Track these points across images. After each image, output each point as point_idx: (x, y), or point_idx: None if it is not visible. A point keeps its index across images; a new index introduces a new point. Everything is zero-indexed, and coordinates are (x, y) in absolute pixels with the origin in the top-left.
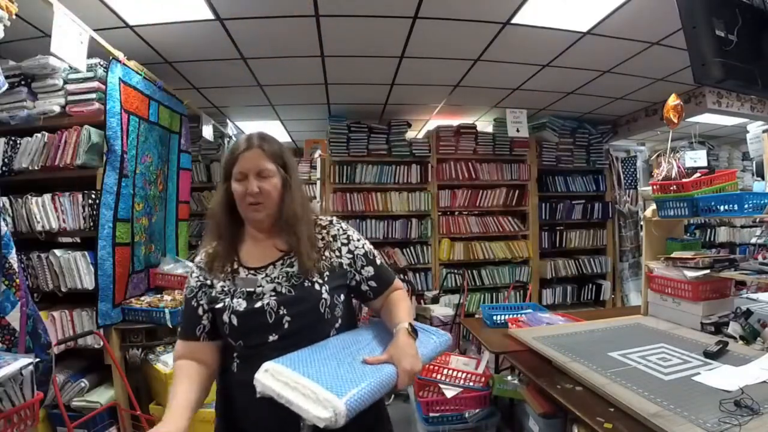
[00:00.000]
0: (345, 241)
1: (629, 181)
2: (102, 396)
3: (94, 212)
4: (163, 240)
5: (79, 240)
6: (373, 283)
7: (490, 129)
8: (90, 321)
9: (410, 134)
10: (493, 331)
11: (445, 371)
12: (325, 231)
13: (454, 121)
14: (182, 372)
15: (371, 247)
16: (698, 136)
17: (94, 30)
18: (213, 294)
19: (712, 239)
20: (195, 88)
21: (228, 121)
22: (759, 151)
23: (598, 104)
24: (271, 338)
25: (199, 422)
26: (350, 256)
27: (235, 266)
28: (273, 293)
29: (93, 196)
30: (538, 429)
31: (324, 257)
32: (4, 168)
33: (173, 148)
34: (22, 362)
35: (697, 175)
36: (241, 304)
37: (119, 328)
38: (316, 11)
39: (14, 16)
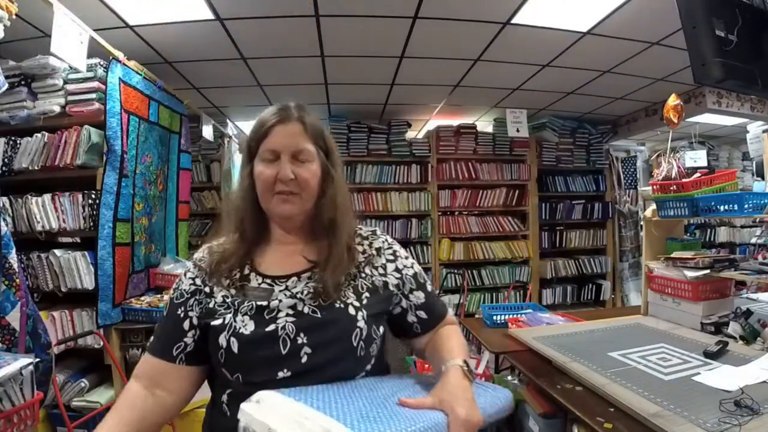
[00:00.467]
0: (391, 257)
1: (629, 181)
2: (102, 396)
3: (94, 212)
4: (163, 240)
5: (79, 240)
6: (423, 314)
7: (490, 129)
8: (90, 321)
9: (410, 134)
10: (493, 331)
11: None
12: (366, 243)
13: (454, 121)
14: (125, 403)
15: (420, 268)
16: (698, 136)
17: (94, 30)
18: (211, 305)
19: (712, 239)
20: (195, 88)
21: (228, 121)
22: (759, 151)
23: (598, 104)
24: (281, 374)
25: (198, 422)
26: (398, 275)
27: (246, 271)
28: (291, 313)
29: (93, 196)
30: (538, 429)
31: (364, 275)
32: (4, 168)
33: (173, 148)
34: (22, 362)
35: (697, 175)
36: (247, 325)
37: (119, 328)
38: (316, 11)
39: (14, 16)
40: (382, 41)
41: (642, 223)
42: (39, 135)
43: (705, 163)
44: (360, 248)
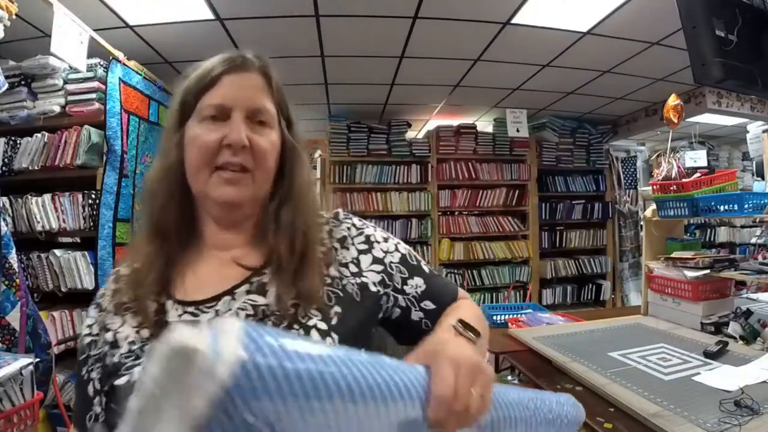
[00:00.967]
0: (364, 246)
1: (629, 181)
2: None
3: (94, 212)
4: None
5: (79, 240)
6: (429, 304)
7: (490, 129)
8: None
9: (410, 134)
10: (493, 331)
11: None
12: (325, 232)
13: (454, 121)
14: None
15: (408, 248)
16: (698, 136)
17: (94, 30)
18: (115, 359)
19: (712, 239)
20: None
21: None
22: (759, 151)
23: (598, 104)
24: None
25: None
26: (379, 268)
27: (163, 300)
28: None
29: (93, 196)
30: None
31: (329, 279)
32: (4, 168)
33: None
34: (22, 362)
35: (697, 175)
36: None
37: None
38: (316, 11)
39: (14, 16)
40: (382, 41)
41: (642, 223)
42: (39, 135)
43: (705, 163)
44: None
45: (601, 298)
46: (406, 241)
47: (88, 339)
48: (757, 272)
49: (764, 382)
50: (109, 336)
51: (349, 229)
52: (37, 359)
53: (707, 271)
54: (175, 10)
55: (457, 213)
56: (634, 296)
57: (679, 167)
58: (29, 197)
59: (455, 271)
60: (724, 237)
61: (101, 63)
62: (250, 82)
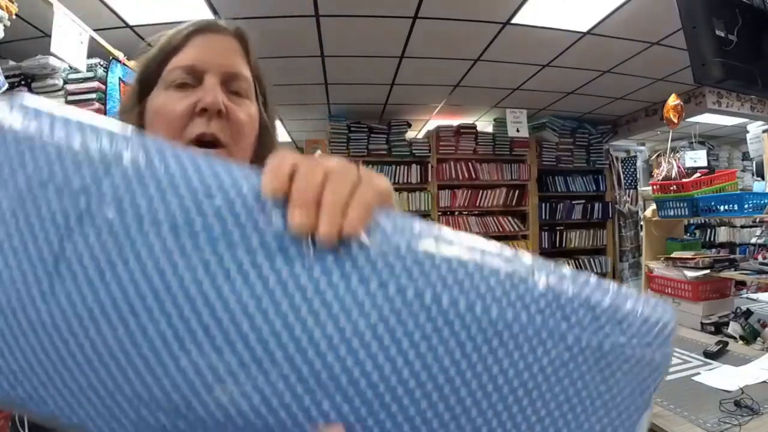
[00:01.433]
0: None
1: (629, 181)
2: None
3: None
4: None
5: None
6: None
7: (490, 129)
8: None
9: (410, 134)
10: None
11: None
12: None
13: (454, 121)
14: None
15: None
16: (698, 136)
17: (94, 30)
18: None
19: (712, 239)
20: None
21: None
22: (759, 151)
23: (598, 104)
24: None
25: None
26: None
27: None
28: None
29: None
30: None
31: None
32: None
33: None
34: None
35: (697, 175)
36: None
37: None
38: (316, 11)
39: (14, 16)
40: (382, 41)
41: (642, 223)
42: None
43: (705, 163)
44: None
45: None
46: None
47: None
48: (757, 272)
49: (764, 382)
50: None
51: None
52: None
53: (707, 271)
54: (175, 10)
55: (457, 213)
56: None
57: (679, 167)
58: None
59: None
60: (724, 237)
61: (101, 63)
62: (224, 44)
